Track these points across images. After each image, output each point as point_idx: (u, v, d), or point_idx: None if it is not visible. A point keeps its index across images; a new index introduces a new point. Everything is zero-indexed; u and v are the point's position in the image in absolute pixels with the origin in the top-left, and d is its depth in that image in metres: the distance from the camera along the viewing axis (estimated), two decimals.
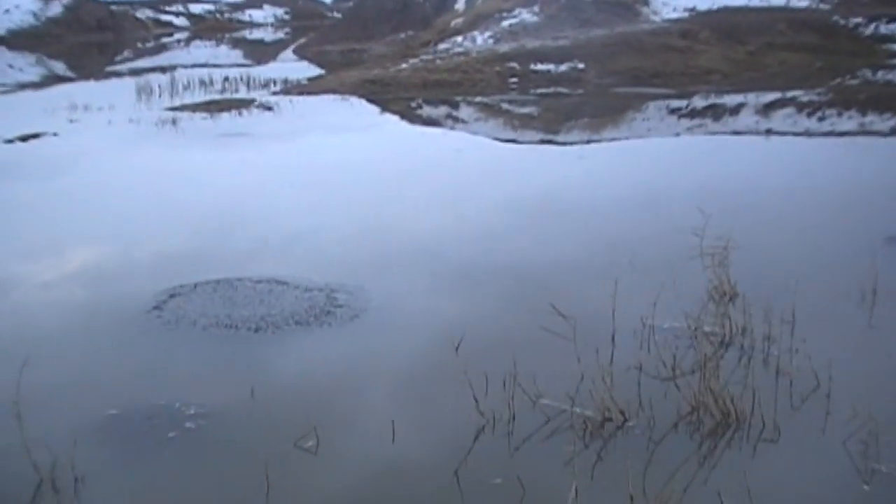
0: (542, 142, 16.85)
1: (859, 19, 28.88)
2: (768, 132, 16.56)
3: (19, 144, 16.05)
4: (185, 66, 30.69)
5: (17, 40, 43.34)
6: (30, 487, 5.00)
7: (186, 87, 23.75)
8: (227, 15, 58.47)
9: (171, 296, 7.91)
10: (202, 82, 24.39)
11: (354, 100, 21.63)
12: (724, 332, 6.69)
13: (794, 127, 17.65)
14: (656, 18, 29.53)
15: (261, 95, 22.24)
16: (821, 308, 7.18)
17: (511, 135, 17.50)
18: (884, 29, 28.42)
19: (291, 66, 31.36)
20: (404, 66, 25.34)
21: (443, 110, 20.70)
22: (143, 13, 54.32)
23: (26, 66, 35.10)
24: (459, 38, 28.65)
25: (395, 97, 21.92)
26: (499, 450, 5.35)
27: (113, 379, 6.35)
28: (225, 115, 19.24)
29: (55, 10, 47.85)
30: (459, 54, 26.25)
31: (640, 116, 19.69)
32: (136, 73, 29.61)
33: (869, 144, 15.89)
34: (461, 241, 9.65)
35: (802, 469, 5.08)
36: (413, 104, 21.37)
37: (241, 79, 25.01)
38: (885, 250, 8.47)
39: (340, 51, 36.23)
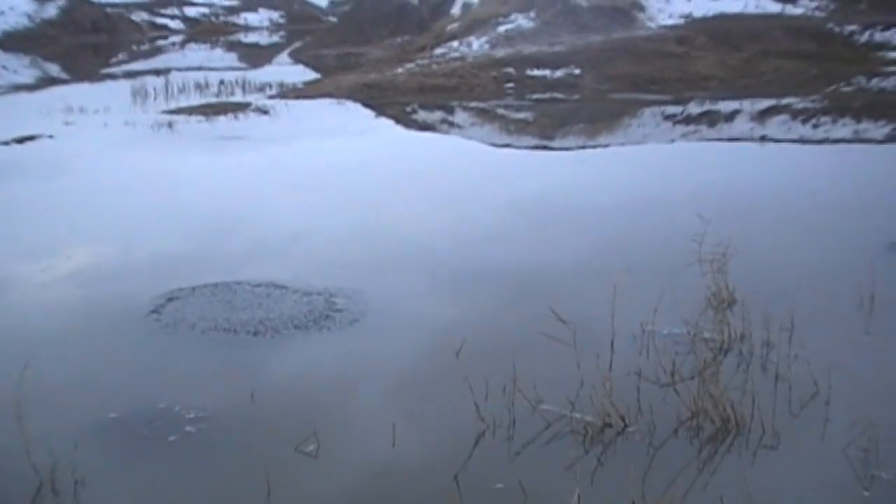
0: (538, 147, 16.86)
1: (854, 27, 28.98)
2: (763, 139, 16.60)
3: (15, 146, 16.03)
4: (180, 70, 30.63)
5: (12, 42, 43.26)
6: (30, 490, 5.00)
7: (182, 90, 23.73)
8: (222, 18, 58.40)
9: (170, 299, 7.91)
10: (198, 85, 24.37)
11: (351, 104, 21.62)
12: (723, 339, 6.70)
13: (789, 134, 17.70)
14: (652, 25, 29.59)
15: (257, 99, 22.23)
16: (819, 315, 7.20)
17: (507, 140, 17.52)
18: (878, 36, 28.51)
19: (287, 70, 31.35)
20: (401, 70, 25.35)
21: (439, 115, 20.72)
22: (139, 16, 54.23)
23: (21, 68, 35.03)
24: (456, 43, 28.67)
25: (391, 101, 21.93)
26: (499, 454, 5.36)
27: (112, 382, 6.34)
28: (221, 118, 19.24)
29: (50, 11, 47.76)
30: (456, 59, 26.27)
31: (636, 122, 19.72)
32: (131, 75, 29.57)
33: (864, 151, 15.93)
34: (459, 245, 9.66)
35: (803, 475, 5.10)
36: (410, 109, 21.38)
37: (237, 82, 25.00)
38: (883, 257, 8.49)
39: (336, 55, 36.24)
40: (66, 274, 8.82)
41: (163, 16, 55.75)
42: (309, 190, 12.44)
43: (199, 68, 31.26)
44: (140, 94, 22.59)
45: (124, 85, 25.63)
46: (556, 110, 21.07)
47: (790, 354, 6.37)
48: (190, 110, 20.23)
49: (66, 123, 18.50)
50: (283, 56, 39.37)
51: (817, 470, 5.17)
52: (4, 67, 34.80)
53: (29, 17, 46.66)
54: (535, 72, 24.10)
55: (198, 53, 42.01)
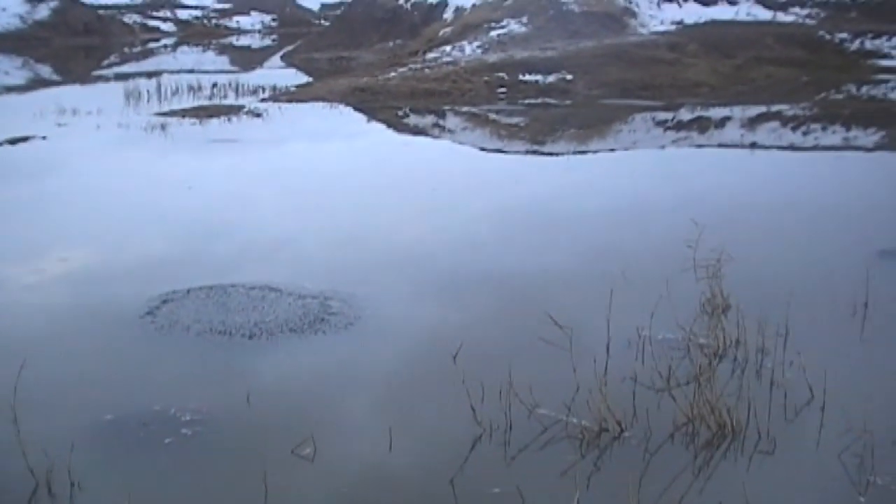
0: (530, 152, 16.90)
1: (845, 34, 29.14)
2: (753, 146, 16.67)
3: (8, 147, 15.98)
4: (172, 72, 30.61)
5: (4, 43, 43.14)
6: (26, 492, 4.99)
7: (175, 93, 23.69)
8: (214, 21, 58.42)
9: (164, 301, 7.90)
10: (191, 88, 24.35)
11: (343, 108, 21.63)
12: (718, 344, 6.72)
13: (780, 141, 17.78)
14: (644, 31, 29.69)
15: (250, 102, 22.22)
16: (813, 321, 7.24)
17: (499, 145, 17.55)
18: (869, 44, 28.69)
19: (279, 73, 31.35)
20: (393, 74, 25.37)
21: (432, 119, 20.74)
22: (131, 18, 54.20)
23: (12, 70, 34.95)
24: (448, 48, 28.70)
25: (384, 105, 21.94)
26: (496, 459, 5.37)
27: (108, 385, 6.33)
28: (214, 120, 19.22)
29: (42, 13, 47.68)
30: (448, 63, 26.30)
31: (627, 128, 19.78)
32: (123, 77, 29.53)
33: (854, 159, 16.01)
34: (452, 249, 9.68)
35: (799, 481, 5.12)
36: (402, 113, 21.39)
37: (230, 85, 24.98)
38: (875, 264, 8.52)
39: (328, 58, 36.25)
40: (59, 276, 8.79)
41: (155, 18, 55.75)
42: (302, 193, 12.44)
43: (192, 71, 31.26)
44: (133, 96, 22.56)
45: (116, 87, 25.61)
46: (548, 115, 21.11)
47: (785, 360, 6.39)
48: (183, 113, 20.20)
49: (59, 125, 18.46)
50: (275, 59, 39.37)
51: (813, 475, 5.19)
52: None
53: (21, 18, 46.58)
54: (528, 77, 24.15)
55: (189, 56, 41.98)
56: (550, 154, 16.78)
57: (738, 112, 21.17)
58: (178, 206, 11.61)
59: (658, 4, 31.31)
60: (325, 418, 5.81)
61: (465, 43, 28.89)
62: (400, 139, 18.81)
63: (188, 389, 6.22)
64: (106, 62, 39.18)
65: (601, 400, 5.61)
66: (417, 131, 19.75)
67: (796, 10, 31.93)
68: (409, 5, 37.54)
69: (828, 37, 29.09)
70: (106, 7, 54.11)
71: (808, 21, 31.32)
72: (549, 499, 4.92)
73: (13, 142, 16.30)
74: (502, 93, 23.25)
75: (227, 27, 57.62)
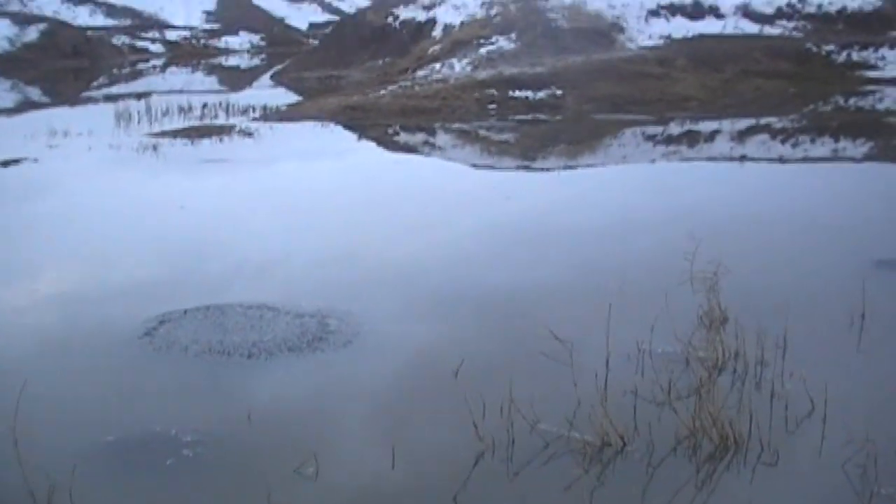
0: (521, 168, 16.94)
1: (832, 46, 29.33)
2: (743, 158, 16.74)
3: (0, 170, 15.94)
4: (161, 93, 30.61)
5: None
6: None
7: (165, 113, 23.68)
8: (203, 41, 58.45)
9: (162, 322, 7.88)
10: (181, 108, 24.33)
11: (335, 126, 21.65)
12: (718, 357, 6.73)
13: (770, 153, 17.87)
14: (632, 46, 29.82)
15: (240, 122, 22.22)
16: (811, 332, 7.26)
17: (490, 161, 17.61)
18: (856, 56, 28.87)
19: (269, 93, 31.37)
20: (383, 92, 25.42)
21: (423, 137, 20.78)
22: (119, 39, 54.18)
23: (2, 92, 34.91)
24: (438, 65, 28.80)
25: (375, 123, 21.96)
26: (499, 475, 5.36)
27: (108, 406, 6.31)
28: (205, 141, 19.22)
29: (31, 35, 47.65)
30: (438, 81, 26.37)
31: (618, 142, 19.84)
32: (112, 98, 29.51)
33: (844, 170, 16.10)
34: (448, 265, 9.68)
35: (803, 492, 5.13)
36: (393, 131, 21.42)
37: (221, 105, 24.98)
38: (871, 274, 8.55)
39: (318, 77, 36.28)
40: (56, 297, 8.76)
41: (143, 39, 55.76)
42: (295, 212, 12.44)
43: (181, 91, 31.24)
44: (123, 118, 22.53)
45: (106, 108, 25.59)
46: (539, 131, 21.17)
47: (784, 372, 6.41)
48: (174, 133, 20.20)
49: (51, 147, 18.42)
50: (265, 79, 39.40)
51: (817, 486, 5.20)
52: None
53: (9, 41, 46.54)
54: (518, 93, 24.22)
55: (179, 77, 42.02)
56: (543, 170, 16.82)
57: (727, 125, 21.27)
58: (172, 226, 11.60)
59: (646, 19, 31.48)
60: (327, 437, 5.79)
61: (454, 60, 28.99)
62: (392, 157, 18.84)
63: (188, 410, 6.20)
64: (95, 84, 39.16)
65: (603, 414, 5.61)
66: (409, 149, 19.79)
67: (783, 22, 32.15)
68: (397, 23, 37.63)
69: (815, 49, 29.28)
70: (94, 29, 54.14)
71: (795, 34, 31.52)
72: None
73: (5, 164, 16.27)
74: (493, 109, 23.31)
75: (215, 47, 57.65)
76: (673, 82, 25.61)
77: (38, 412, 5.88)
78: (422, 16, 36.29)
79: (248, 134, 20.03)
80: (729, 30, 31.54)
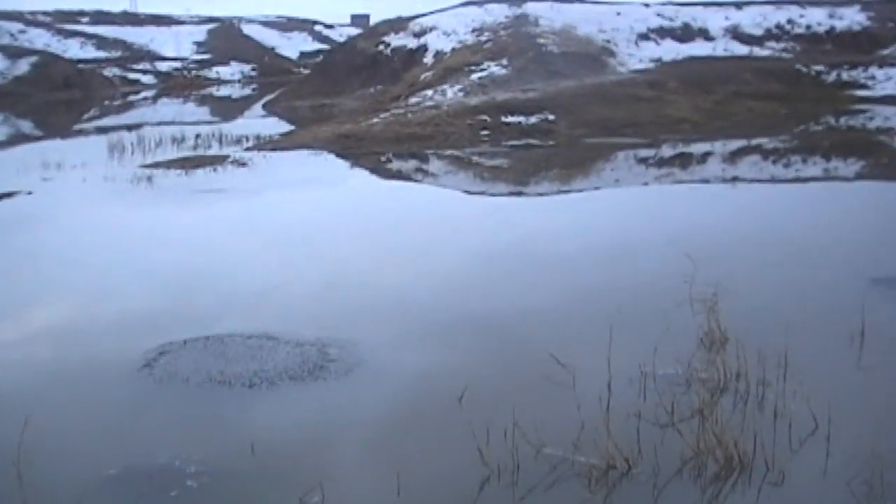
0: (515, 194, 16.99)
1: (821, 67, 29.54)
2: (736, 179, 16.82)
3: None
4: (153, 124, 30.64)
5: None
6: None
7: (159, 144, 23.68)
8: (194, 72, 58.62)
9: (161, 353, 7.86)
10: (174, 139, 24.34)
11: (328, 155, 21.69)
12: (720, 378, 6.75)
13: (762, 174, 17.96)
14: (623, 69, 30.00)
15: (234, 151, 22.22)
16: (811, 351, 7.27)
17: (484, 187, 17.65)
18: (845, 75, 29.09)
19: (262, 122, 31.43)
20: (376, 120, 25.50)
21: (416, 164, 20.82)
22: (111, 71, 54.31)
23: None
24: (430, 92, 28.90)
25: (368, 151, 21.99)
26: (505, 500, 5.35)
27: (110, 438, 6.28)
28: (199, 171, 19.21)
29: (22, 68, 47.73)
30: (431, 107, 26.46)
31: (611, 166, 19.91)
32: (105, 130, 29.53)
33: (837, 189, 16.18)
34: (446, 292, 9.68)
35: None
36: (386, 158, 21.46)
37: (213, 135, 24.99)
38: (869, 292, 8.59)
39: (310, 106, 36.38)
40: (54, 330, 8.73)
41: (135, 71, 55.86)
42: (292, 241, 12.44)
43: (172, 122, 31.29)
44: (117, 149, 22.54)
45: (99, 140, 25.59)
46: (532, 156, 21.23)
47: (786, 391, 6.42)
48: (168, 164, 20.19)
49: (45, 179, 18.41)
50: (257, 108, 39.48)
51: None
52: None
53: (1, 74, 46.61)
54: (510, 118, 24.30)
55: (170, 107, 42.06)
56: (537, 195, 16.87)
57: (720, 147, 21.37)
58: (169, 258, 11.58)
59: (636, 42, 31.71)
60: (331, 465, 5.78)
61: (446, 86, 29.10)
62: (386, 184, 18.88)
63: (191, 441, 6.18)
64: (87, 116, 39.20)
65: (607, 437, 5.61)
66: (403, 176, 19.82)
67: (772, 44, 32.40)
68: (388, 51, 37.82)
69: (805, 69, 29.50)
70: (85, 61, 54.27)
71: (784, 55, 31.76)
72: None
73: None
74: (485, 135, 23.37)
75: (206, 78, 57.77)
76: (665, 105, 25.74)
77: (41, 446, 5.86)
78: (413, 43, 36.49)
79: (242, 164, 20.04)
80: (719, 52, 31.79)
